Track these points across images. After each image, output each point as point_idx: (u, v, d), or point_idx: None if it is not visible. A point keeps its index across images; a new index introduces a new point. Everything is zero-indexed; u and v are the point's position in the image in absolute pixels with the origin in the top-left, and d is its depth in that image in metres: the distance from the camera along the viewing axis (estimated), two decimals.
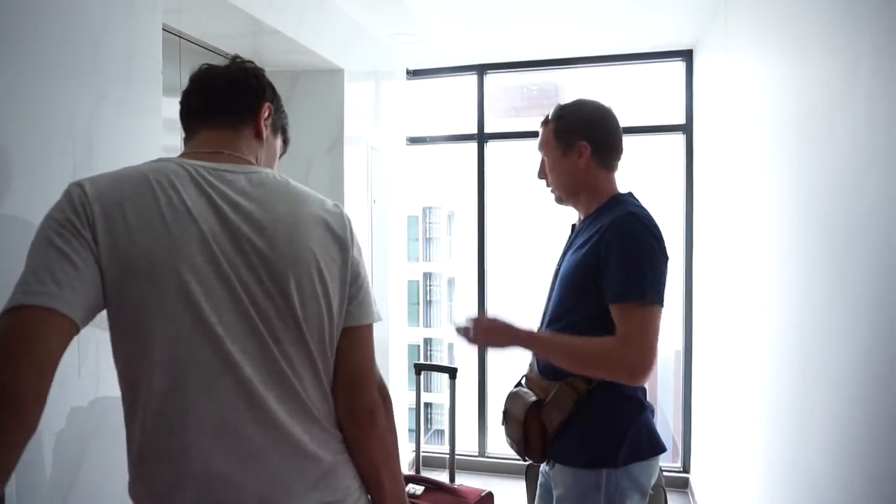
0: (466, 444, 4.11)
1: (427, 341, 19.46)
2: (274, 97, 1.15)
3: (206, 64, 1.12)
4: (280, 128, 1.18)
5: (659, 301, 1.38)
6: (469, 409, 4.17)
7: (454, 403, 2.86)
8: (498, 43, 3.67)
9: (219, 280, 0.93)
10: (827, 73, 1.51)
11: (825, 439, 1.48)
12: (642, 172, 3.98)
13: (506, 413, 1.62)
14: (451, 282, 19.74)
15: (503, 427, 1.63)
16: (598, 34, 3.51)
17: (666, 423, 8.59)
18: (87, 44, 1.59)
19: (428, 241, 19.97)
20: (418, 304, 19.28)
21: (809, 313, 1.61)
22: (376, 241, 3.54)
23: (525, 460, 1.59)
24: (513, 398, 1.60)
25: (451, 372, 2.81)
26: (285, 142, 1.22)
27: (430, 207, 19.53)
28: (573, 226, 1.67)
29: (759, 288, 2.13)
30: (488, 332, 1.49)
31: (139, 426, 0.93)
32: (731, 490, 2.60)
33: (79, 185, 0.92)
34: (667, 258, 1.45)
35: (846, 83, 1.38)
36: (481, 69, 4.03)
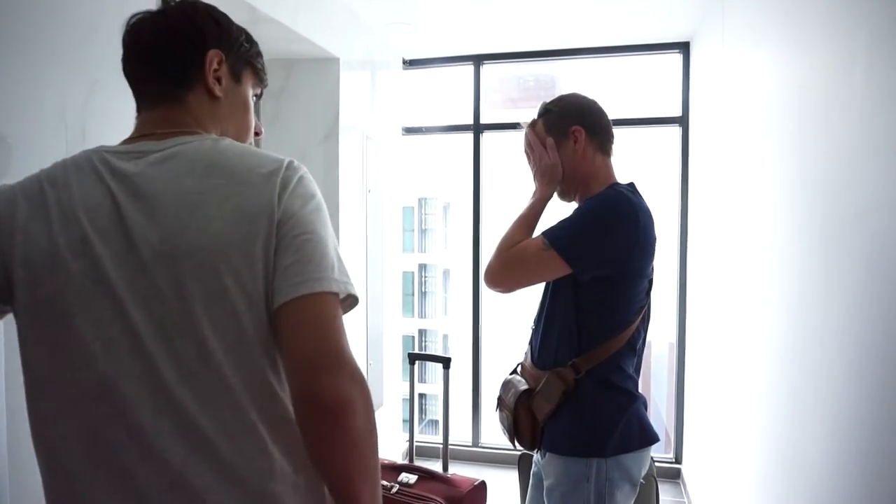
0: (460, 435, 4.13)
1: (422, 332, 19.50)
2: (222, 38, 0.89)
3: (135, 15, 0.89)
4: (245, 66, 0.93)
5: (560, 251, 1.43)
6: (463, 400, 4.19)
7: (448, 393, 2.87)
8: (495, 33, 3.66)
9: (99, 287, 0.77)
10: (824, 65, 1.51)
11: (818, 430, 1.49)
12: (638, 164, 3.99)
13: (500, 400, 1.64)
14: (446, 273, 19.76)
15: (497, 413, 1.65)
16: (594, 25, 3.50)
17: (658, 414, 8.65)
18: (81, 29, 1.57)
19: (423, 232, 19.98)
20: (413, 295, 19.30)
21: (804, 306, 1.62)
22: (371, 232, 3.54)
23: (515, 447, 1.61)
24: (506, 386, 1.62)
25: (445, 362, 2.82)
26: (258, 76, 0.96)
27: (425, 198, 19.51)
28: None
29: (753, 280, 2.14)
30: (545, 167, 1.56)
31: (36, 453, 0.82)
32: (722, 481, 2.62)
33: None
34: (621, 246, 1.42)
35: (843, 74, 1.38)
36: (478, 59, 4.02)
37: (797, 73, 1.73)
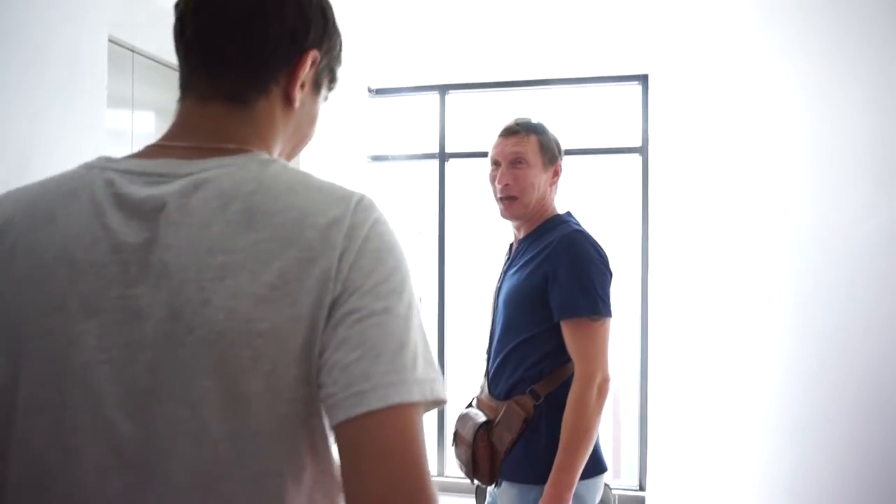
0: None
1: None
2: (324, 37, 0.69)
3: None
4: (329, 71, 0.74)
5: (609, 314, 1.45)
6: (428, 430, 4.12)
7: None
8: (459, 63, 3.71)
9: (69, 376, 0.54)
10: (779, 97, 1.56)
11: (788, 454, 1.50)
12: (599, 192, 4.04)
13: (456, 434, 1.61)
14: None
15: (453, 448, 1.62)
16: (557, 58, 3.58)
17: (617, 442, 8.64)
18: (28, 56, 1.54)
19: None
20: None
21: (764, 330, 1.64)
22: None
23: (473, 482, 1.58)
24: (462, 419, 1.60)
25: None
26: (333, 81, 0.77)
27: None
28: (510, 245, 1.69)
29: (716, 304, 2.16)
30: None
31: None
32: None
33: None
34: (612, 274, 1.50)
35: (802, 103, 1.42)
36: (443, 89, 4.06)
37: (752, 104, 1.78)
